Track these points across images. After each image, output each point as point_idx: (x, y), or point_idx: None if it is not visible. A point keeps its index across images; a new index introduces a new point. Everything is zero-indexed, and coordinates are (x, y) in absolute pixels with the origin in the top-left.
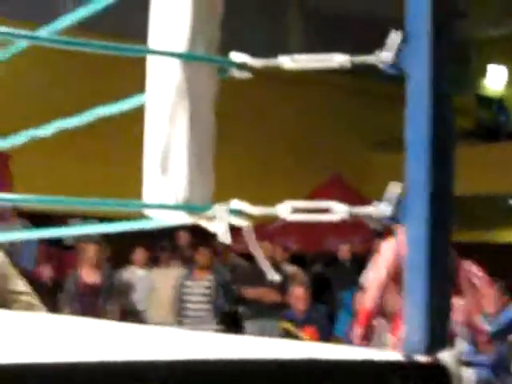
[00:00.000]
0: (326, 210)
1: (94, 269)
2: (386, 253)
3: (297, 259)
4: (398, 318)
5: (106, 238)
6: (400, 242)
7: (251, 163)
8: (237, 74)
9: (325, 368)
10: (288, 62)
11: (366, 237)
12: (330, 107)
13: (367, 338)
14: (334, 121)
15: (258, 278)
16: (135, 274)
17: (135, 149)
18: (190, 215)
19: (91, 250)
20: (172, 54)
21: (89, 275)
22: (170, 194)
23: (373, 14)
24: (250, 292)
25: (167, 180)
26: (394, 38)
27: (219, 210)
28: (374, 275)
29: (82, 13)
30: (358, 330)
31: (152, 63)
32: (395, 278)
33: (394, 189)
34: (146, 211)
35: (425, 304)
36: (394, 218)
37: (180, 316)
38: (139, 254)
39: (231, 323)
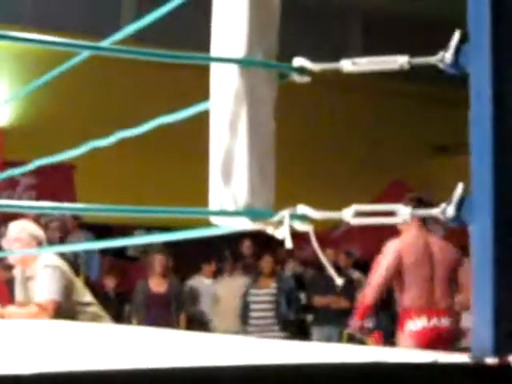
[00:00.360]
0: (390, 214)
1: (161, 279)
2: (388, 255)
3: (361, 266)
4: (404, 316)
5: (172, 249)
6: (405, 243)
7: (311, 170)
8: (297, 78)
9: (392, 371)
10: (348, 65)
11: None
12: (388, 113)
13: (363, 329)
14: (392, 127)
15: (325, 285)
16: (203, 283)
17: (201, 156)
18: (254, 221)
19: (159, 261)
20: (231, 60)
21: (157, 285)
22: (233, 201)
23: (427, 15)
24: (319, 300)
25: (230, 187)
26: (454, 37)
27: (283, 215)
28: (375, 275)
29: (138, 25)
30: (356, 322)
31: (214, 72)
32: (398, 276)
33: (458, 190)
34: (212, 219)
35: (493, 305)
36: (460, 220)
37: (245, 324)
38: (209, 264)
39: (297, 331)
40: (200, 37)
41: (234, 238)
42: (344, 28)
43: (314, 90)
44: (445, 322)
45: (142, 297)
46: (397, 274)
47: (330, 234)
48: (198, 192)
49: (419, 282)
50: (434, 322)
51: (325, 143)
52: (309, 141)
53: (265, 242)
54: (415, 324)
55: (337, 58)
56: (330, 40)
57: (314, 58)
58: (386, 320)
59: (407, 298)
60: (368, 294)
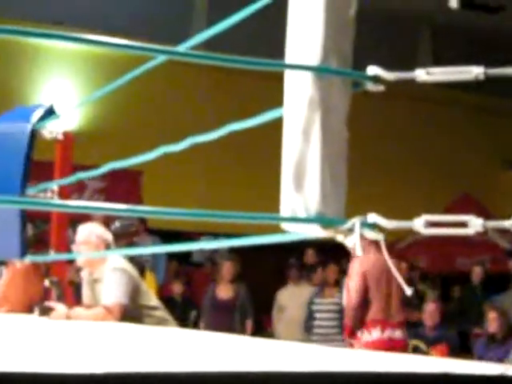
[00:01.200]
0: (461, 225)
1: (228, 285)
2: (355, 276)
3: (427, 278)
4: (365, 327)
5: (241, 256)
6: (368, 263)
7: (384, 180)
8: (370, 87)
9: (461, 383)
10: (422, 74)
11: (498, 256)
12: (459, 126)
13: (353, 346)
14: (462, 139)
15: None
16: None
17: (272, 162)
18: (325, 229)
19: (227, 268)
20: (306, 68)
21: (223, 292)
22: (305, 208)
23: (499, 27)
24: None
25: (302, 193)
26: None
27: (354, 223)
28: (348, 298)
29: (209, 33)
30: (348, 342)
31: (288, 79)
32: (365, 294)
33: None
34: (283, 225)
35: None
36: None
37: (308, 333)
38: (292, 271)
39: None
40: (270, 45)
41: (299, 247)
42: (414, 37)
43: (382, 101)
44: (399, 334)
45: (209, 302)
46: (364, 292)
47: (396, 246)
48: (267, 198)
49: (379, 298)
50: (389, 333)
51: (394, 155)
52: (377, 152)
53: (330, 252)
54: (371, 335)
55: (407, 68)
56: (399, 49)
57: (384, 68)
58: (452, 333)
59: (369, 312)
60: (347, 316)
